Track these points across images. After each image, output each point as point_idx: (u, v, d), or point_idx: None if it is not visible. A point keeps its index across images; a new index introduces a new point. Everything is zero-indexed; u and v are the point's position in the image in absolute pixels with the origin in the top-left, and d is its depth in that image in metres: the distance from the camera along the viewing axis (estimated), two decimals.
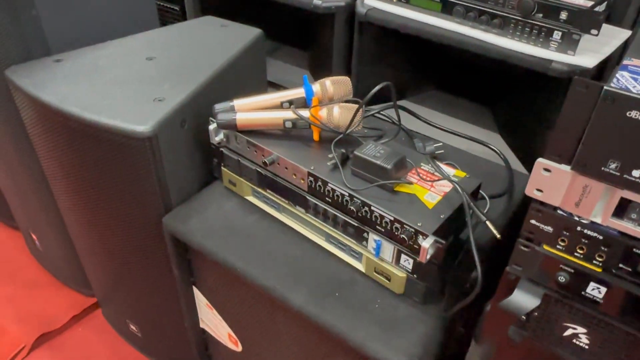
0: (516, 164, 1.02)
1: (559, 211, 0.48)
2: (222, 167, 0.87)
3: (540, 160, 0.47)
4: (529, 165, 1.01)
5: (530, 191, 0.49)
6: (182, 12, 1.39)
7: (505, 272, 0.54)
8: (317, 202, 0.74)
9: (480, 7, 0.92)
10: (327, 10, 1.07)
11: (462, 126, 1.12)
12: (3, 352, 1.22)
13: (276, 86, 1.26)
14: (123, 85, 0.87)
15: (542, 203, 0.49)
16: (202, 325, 1.01)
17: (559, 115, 0.89)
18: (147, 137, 0.76)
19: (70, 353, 1.25)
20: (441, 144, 0.95)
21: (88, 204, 0.96)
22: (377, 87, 0.69)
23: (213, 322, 0.96)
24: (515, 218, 0.92)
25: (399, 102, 0.92)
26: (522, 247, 0.51)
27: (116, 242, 0.98)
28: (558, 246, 0.49)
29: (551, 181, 0.46)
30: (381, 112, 0.97)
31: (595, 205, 0.45)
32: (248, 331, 0.89)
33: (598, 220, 0.46)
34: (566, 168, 0.45)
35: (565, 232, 0.48)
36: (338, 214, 0.72)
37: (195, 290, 0.94)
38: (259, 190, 0.83)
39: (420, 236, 0.63)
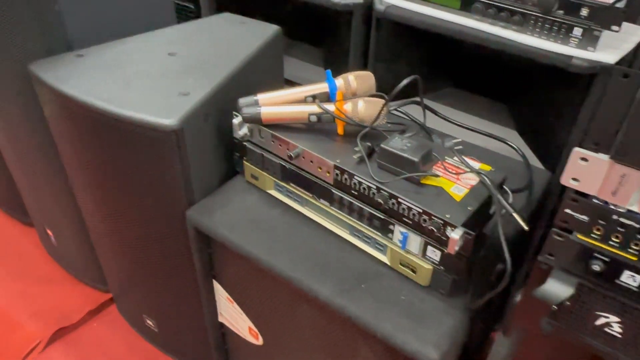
0: (534, 160, 1.03)
1: (594, 200, 0.48)
2: (245, 161, 0.87)
3: (577, 149, 0.47)
4: (547, 161, 1.02)
5: (566, 180, 0.49)
6: (197, 10, 1.39)
7: (537, 262, 0.55)
8: (342, 195, 0.75)
9: (500, 4, 0.93)
10: (346, 8, 1.08)
11: (479, 123, 1.13)
12: (19, 347, 1.22)
13: (292, 83, 1.26)
14: (146, 79, 0.87)
15: (577, 192, 0.49)
16: (220, 319, 1.02)
17: (578, 111, 0.90)
18: (173, 130, 0.77)
19: (85, 348, 1.25)
20: (460, 140, 0.95)
21: (109, 198, 0.96)
22: (405, 81, 0.70)
23: (233, 316, 0.97)
24: (535, 212, 0.93)
25: (415, 98, 0.93)
26: (556, 237, 0.52)
27: (136, 235, 0.99)
28: (593, 235, 0.50)
29: (588, 170, 0.47)
30: (398, 109, 0.98)
31: (632, 194, 0.46)
32: (269, 324, 0.89)
33: (635, 208, 0.47)
34: (604, 157, 0.46)
35: (600, 221, 0.48)
36: (364, 207, 0.72)
37: (216, 284, 0.95)
38: (282, 184, 0.83)
39: (449, 228, 0.63)
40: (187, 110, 0.79)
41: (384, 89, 0.85)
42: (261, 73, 1.02)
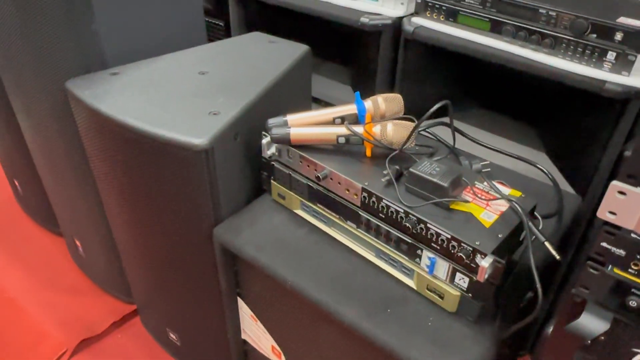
0: (563, 184, 1.01)
1: (633, 234, 0.47)
2: (272, 181, 0.88)
3: (614, 182, 0.46)
4: (576, 185, 1.00)
5: (603, 214, 0.48)
6: (227, 27, 1.42)
7: (571, 294, 0.54)
8: (369, 218, 0.74)
9: (531, 27, 0.92)
10: (374, 28, 1.08)
11: (506, 144, 1.11)
12: (46, 355, 1.25)
13: (319, 101, 1.27)
14: (178, 98, 0.89)
15: (614, 226, 0.48)
16: (243, 336, 1.02)
17: (610, 135, 0.88)
18: (204, 149, 0.78)
19: (109, 359, 1.27)
20: (488, 162, 0.94)
21: (138, 212, 0.98)
22: (436, 107, 0.70)
23: (256, 334, 0.97)
24: (565, 239, 0.91)
25: (443, 119, 0.93)
26: (591, 270, 0.51)
27: (163, 250, 1.00)
28: (630, 270, 0.48)
29: (626, 204, 0.46)
30: (427, 130, 0.98)
31: None
32: (292, 344, 0.89)
33: None
34: None
35: (639, 256, 0.47)
36: (391, 230, 0.72)
37: (240, 301, 0.95)
38: (309, 204, 0.84)
39: (479, 255, 0.63)
40: (217, 130, 0.80)
41: (410, 108, 0.85)
42: (290, 92, 1.03)
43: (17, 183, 1.60)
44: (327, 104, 1.30)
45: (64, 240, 1.48)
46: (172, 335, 1.20)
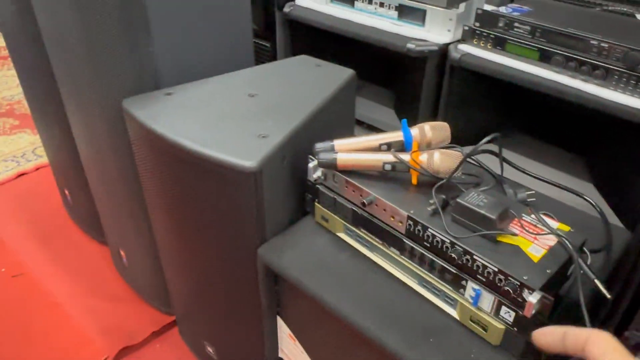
0: (611, 217, 0.99)
1: None
2: (316, 203, 0.89)
3: None
4: (625, 219, 0.98)
5: None
6: (273, 49, 1.46)
7: (623, 337, 0.53)
8: (414, 246, 0.75)
9: (582, 57, 0.91)
10: (420, 54, 1.10)
11: (552, 174, 1.10)
12: None
13: (362, 123, 1.29)
14: (229, 120, 0.92)
15: None
16: (281, 354, 1.03)
17: None
18: (253, 172, 0.81)
19: None
20: (533, 192, 0.93)
21: (183, 228, 1.01)
22: (486, 140, 0.70)
23: (293, 353, 0.98)
24: (613, 274, 0.89)
25: (489, 145, 0.92)
26: None
27: (205, 265, 1.03)
28: None
29: None
30: (472, 157, 0.97)
31: None
32: None
33: None
34: None
35: None
36: (436, 260, 0.72)
37: (279, 320, 0.97)
38: (353, 228, 0.85)
39: (526, 290, 0.62)
40: (265, 153, 0.83)
41: (455, 134, 0.86)
42: (335, 115, 1.05)
43: (67, 192, 1.67)
44: (370, 127, 1.31)
45: (109, 250, 1.53)
46: (209, 348, 1.22)
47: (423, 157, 0.78)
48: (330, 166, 0.82)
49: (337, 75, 1.08)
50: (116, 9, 0.94)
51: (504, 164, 0.99)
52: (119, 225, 1.34)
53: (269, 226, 0.89)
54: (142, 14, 0.96)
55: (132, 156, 1.05)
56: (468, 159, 0.95)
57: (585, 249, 0.76)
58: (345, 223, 0.86)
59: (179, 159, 0.89)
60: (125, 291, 1.48)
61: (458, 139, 0.85)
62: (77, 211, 1.69)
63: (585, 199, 0.95)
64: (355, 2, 1.24)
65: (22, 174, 2.00)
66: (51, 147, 1.61)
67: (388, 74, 1.38)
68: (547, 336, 0.48)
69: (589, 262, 0.77)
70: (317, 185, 0.88)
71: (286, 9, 1.31)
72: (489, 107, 1.18)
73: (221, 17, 1.10)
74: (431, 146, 0.83)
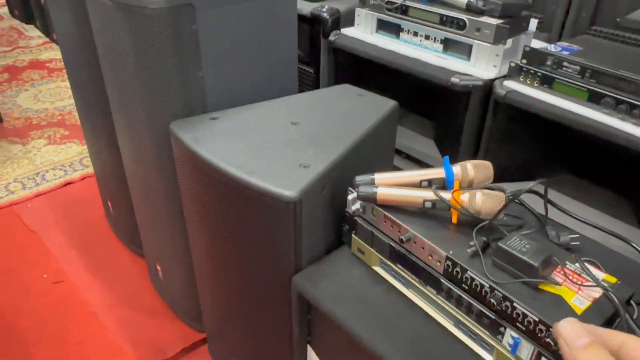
0: None
1: None
2: (353, 235, 0.89)
3: None
4: None
5: None
6: (316, 75, 1.48)
7: None
8: (451, 287, 0.74)
9: (634, 101, 0.89)
10: (464, 89, 1.09)
11: (597, 216, 1.07)
12: None
13: (401, 153, 1.29)
14: (271, 147, 0.94)
15: None
16: None
17: None
18: (293, 201, 0.82)
19: None
20: (578, 235, 0.91)
21: (220, 250, 1.03)
22: (532, 185, 0.69)
23: None
24: None
25: (533, 184, 0.90)
26: None
27: (240, 288, 1.04)
28: None
29: None
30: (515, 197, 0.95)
31: None
32: None
33: None
34: None
35: None
36: (474, 303, 0.71)
37: (310, 349, 0.96)
38: (389, 263, 0.84)
39: None
40: (306, 183, 0.84)
41: (496, 169, 0.84)
42: (376, 146, 1.05)
43: (109, 203, 1.72)
44: (409, 156, 1.31)
45: (145, 263, 1.57)
46: None
47: (465, 197, 0.77)
48: (369, 200, 0.82)
49: (380, 106, 1.09)
50: (170, 36, 0.98)
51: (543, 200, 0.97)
52: (157, 241, 1.38)
53: (305, 254, 0.90)
54: (194, 42, 1.00)
55: (176, 176, 1.08)
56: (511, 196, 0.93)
57: (632, 301, 0.73)
58: (381, 257, 0.85)
59: (221, 183, 0.91)
60: (158, 305, 1.51)
61: (499, 175, 0.83)
62: (118, 222, 1.74)
63: (633, 246, 0.91)
64: (401, 33, 1.25)
65: (69, 183, 2.08)
66: (98, 159, 1.67)
67: (429, 105, 1.38)
68: (570, 331, 0.44)
69: (635, 316, 0.74)
70: (355, 217, 0.88)
71: (332, 38, 1.34)
72: (532, 145, 1.16)
73: (269, 45, 1.13)
74: (473, 185, 0.82)
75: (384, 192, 0.81)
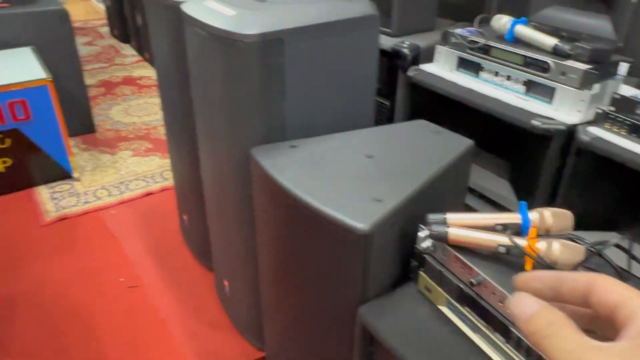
0: None
1: None
2: (421, 272, 0.90)
3: None
4: None
5: None
6: (392, 108, 1.50)
7: None
8: (521, 336, 0.72)
9: None
10: (545, 132, 1.07)
11: None
12: None
13: (474, 192, 1.27)
14: (346, 179, 0.96)
15: None
16: None
17: None
18: (365, 234, 0.84)
19: None
20: None
21: (289, 275, 1.06)
22: (615, 241, 0.67)
23: None
24: None
25: (614, 236, 0.87)
26: None
27: (304, 313, 1.06)
28: None
29: None
30: (600, 252, 0.92)
31: None
32: None
33: None
34: None
35: None
36: (544, 356, 0.69)
37: None
38: (456, 304, 0.84)
39: None
40: (379, 217, 0.85)
41: (574, 217, 0.82)
42: (449, 184, 1.05)
43: (185, 217, 1.82)
44: (482, 196, 1.29)
45: (214, 277, 1.64)
46: None
47: (541, 245, 0.76)
48: (440, 239, 0.82)
49: (455, 144, 1.09)
50: (259, 68, 1.04)
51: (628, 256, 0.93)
52: (227, 258, 1.44)
53: (372, 287, 0.91)
54: (280, 73, 1.06)
55: (251, 198, 1.13)
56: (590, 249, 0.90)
57: None
58: (449, 298, 0.85)
59: (295, 210, 0.95)
60: (223, 319, 1.56)
61: (576, 223, 0.81)
62: (191, 236, 1.83)
63: None
64: (481, 72, 1.25)
65: (149, 194, 2.22)
66: (178, 173, 1.78)
67: (506, 145, 1.36)
68: (535, 282, 0.39)
69: None
70: (425, 255, 0.88)
71: (410, 73, 1.36)
72: (615, 194, 1.11)
73: (350, 78, 1.17)
74: (550, 233, 0.80)
75: (456, 233, 0.81)
